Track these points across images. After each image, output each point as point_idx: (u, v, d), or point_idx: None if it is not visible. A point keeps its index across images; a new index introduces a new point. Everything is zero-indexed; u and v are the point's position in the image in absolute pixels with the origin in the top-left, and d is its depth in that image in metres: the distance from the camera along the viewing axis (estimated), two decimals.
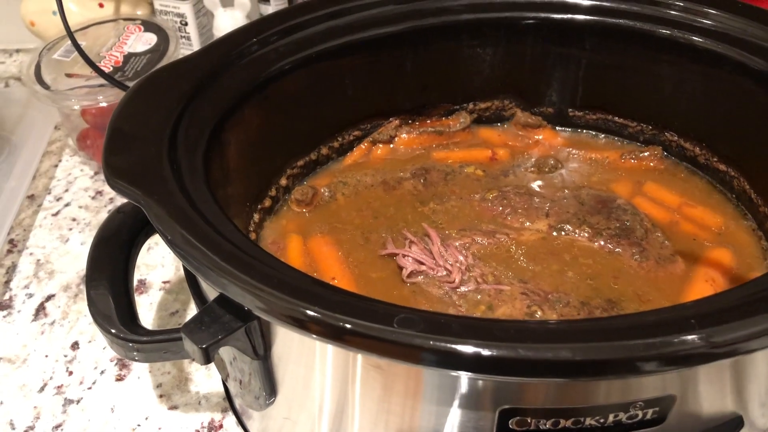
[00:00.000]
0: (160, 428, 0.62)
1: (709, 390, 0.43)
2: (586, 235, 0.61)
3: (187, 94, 0.55)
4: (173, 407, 0.64)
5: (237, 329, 0.43)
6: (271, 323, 0.43)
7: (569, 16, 0.66)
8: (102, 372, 0.67)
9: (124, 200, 0.49)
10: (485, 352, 0.35)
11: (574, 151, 0.71)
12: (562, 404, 0.41)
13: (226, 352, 0.49)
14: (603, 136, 0.73)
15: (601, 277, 0.58)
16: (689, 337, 0.35)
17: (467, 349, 0.35)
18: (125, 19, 0.97)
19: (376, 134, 0.71)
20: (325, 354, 0.43)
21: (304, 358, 0.45)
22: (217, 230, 0.43)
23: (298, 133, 0.66)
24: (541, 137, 0.73)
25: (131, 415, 0.63)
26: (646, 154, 0.69)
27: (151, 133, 0.50)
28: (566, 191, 0.65)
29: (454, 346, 0.35)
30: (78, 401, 0.65)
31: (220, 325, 0.43)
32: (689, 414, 0.43)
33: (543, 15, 0.66)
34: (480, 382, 0.40)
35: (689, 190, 0.67)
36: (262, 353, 0.46)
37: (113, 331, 0.51)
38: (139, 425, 0.62)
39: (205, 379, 0.66)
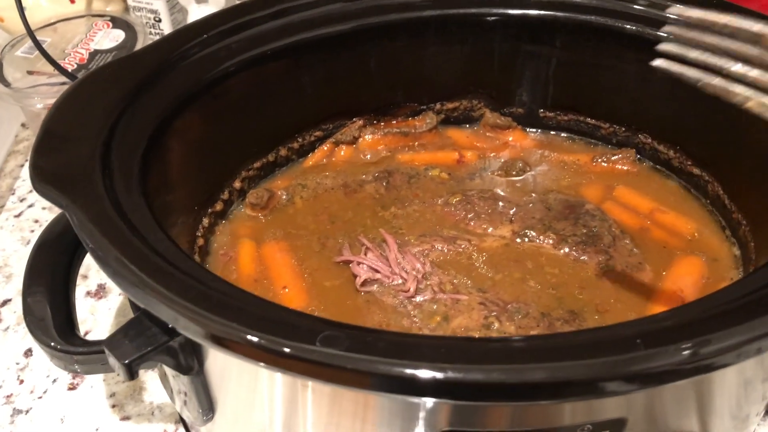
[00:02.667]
0: None
1: (664, 411, 0.41)
2: (551, 242, 0.58)
3: (129, 94, 0.52)
4: (125, 418, 0.62)
5: (163, 344, 0.40)
6: None
7: (537, 12, 0.63)
8: (54, 380, 0.65)
9: None
10: (410, 372, 0.33)
11: (544, 153, 0.69)
12: (505, 428, 0.38)
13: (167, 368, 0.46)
14: (575, 137, 0.70)
15: (565, 286, 0.56)
16: (629, 358, 0.33)
17: (392, 369, 0.33)
18: (94, 15, 0.95)
19: (338, 135, 0.69)
20: (256, 371, 0.41)
21: (238, 375, 0.42)
22: (143, 238, 0.41)
23: (254, 134, 0.63)
24: (511, 139, 0.70)
25: (82, 425, 0.61)
26: (618, 156, 0.67)
27: (85, 135, 0.48)
28: (533, 195, 0.63)
29: (377, 366, 0.33)
30: (27, 411, 0.63)
31: (146, 339, 0.40)
32: None
33: (510, 11, 0.63)
34: (416, 403, 0.37)
35: (662, 195, 0.64)
36: (195, 369, 0.43)
37: (48, 342, 0.48)
38: None
39: (159, 388, 0.63)
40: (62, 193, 0.43)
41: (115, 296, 0.73)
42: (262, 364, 0.35)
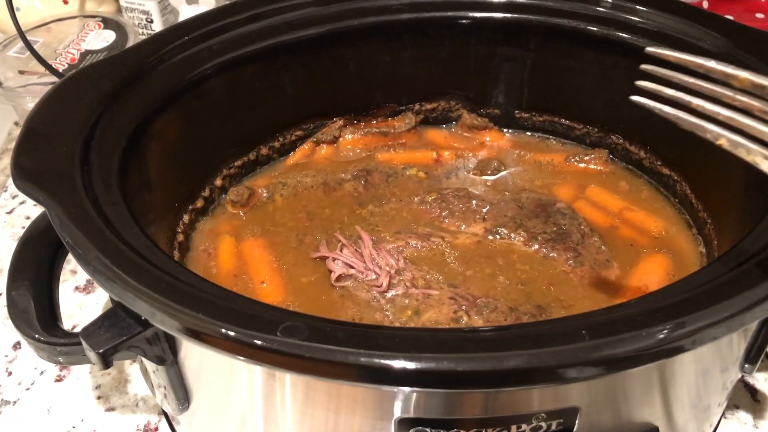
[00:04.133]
0: (95, 430, 0.62)
1: (618, 399, 0.42)
2: (522, 239, 0.60)
3: (110, 94, 0.54)
4: (110, 409, 0.63)
5: (137, 334, 0.42)
6: None
7: (510, 15, 0.64)
8: (42, 372, 0.67)
9: None
10: (366, 361, 0.34)
11: (520, 153, 0.70)
12: (461, 415, 0.40)
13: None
14: (550, 138, 0.72)
15: (533, 282, 0.57)
16: (574, 347, 0.34)
17: (348, 358, 0.35)
18: (86, 16, 0.96)
19: (319, 134, 0.70)
20: (230, 361, 0.42)
21: (209, 365, 0.44)
22: (119, 234, 0.43)
23: (235, 133, 0.65)
24: (487, 139, 0.72)
25: (67, 416, 0.63)
26: (591, 156, 0.68)
27: (65, 134, 0.50)
28: (507, 194, 0.65)
29: (334, 355, 0.35)
30: (14, 402, 0.64)
31: (119, 330, 0.42)
32: (598, 426, 0.43)
33: (484, 14, 0.65)
34: (377, 391, 0.39)
35: (633, 195, 0.66)
36: (169, 359, 0.45)
37: (32, 334, 0.50)
38: (74, 427, 0.62)
39: (144, 380, 0.65)
40: (41, 190, 0.45)
41: (103, 291, 0.75)
42: (227, 353, 0.37)
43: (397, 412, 0.39)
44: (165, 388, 0.48)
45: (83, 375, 0.66)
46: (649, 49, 0.43)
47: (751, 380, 0.63)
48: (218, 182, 0.65)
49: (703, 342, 0.37)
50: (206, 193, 0.64)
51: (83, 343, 0.42)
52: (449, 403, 0.39)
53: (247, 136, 0.66)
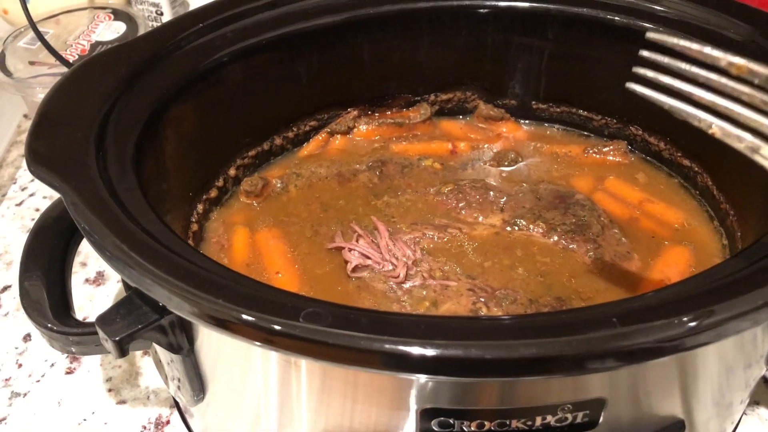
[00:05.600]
0: (106, 423, 0.61)
1: (643, 393, 0.41)
2: (541, 230, 0.59)
3: (124, 81, 0.53)
4: (121, 402, 0.63)
5: (153, 322, 0.41)
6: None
7: (528, 4, 0.64)
8: (52, 365, 0.66)
9: None
10: (390, 348, 0.33)
11: (537, 145, 0.69)
12: (485, 405, 0.39)
13: (160, 349, 0.47)
14: (567, 129, 0.71)
15: (553, 274, 0.56)
16: (605, 335, 0.33)
17: (373, 345, 0.34)
18: (96, 8, 0.96)
19: (333, 125, 0.70)
20: (247, 350, 0.41)
21: (226, 353, 0.43)
22: (135, 219, 0.42)
23: (249, 123, 0.64)
24: (504, 130, 0.71)
25: (78, 409, 0.62)
26: (609, 148, 0.67)
27: (80, 120, 0.49)
28: (524, 186, 0.64)
29: (358, 342, 0.34)
30: (25, 394, 0.64)
31: (136, 317, 0.41)
32: (624, 418, 0.42)
33: (502, 3, 0.64)
34: (399, 380, 0.38)
35: (652, 186, 0.65)
36: (185, 348, 0.44)
37: (45, 323, 0.49)
38: (85, 420, 0.61)
39: (154, 373, 0.64)
40: (56, 175, 0.44)
41: (113, 283, 0.74)
42: (247, 340, 0.36)
43: (419, 402, 0.39)
44: (179, 378, 0.47)
45: (94, 367, 0.66)
46: (650, 34, 0.42)
47: None
48: (232, 172, 0.64)
49: (731, 333, 0.36)
50: (220, 182, 0.63)
51: (99, 331, 0.41)
52: (473, 392, 0.38)
53: (261, 126, 0.66)
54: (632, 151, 0.68)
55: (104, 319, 0.42)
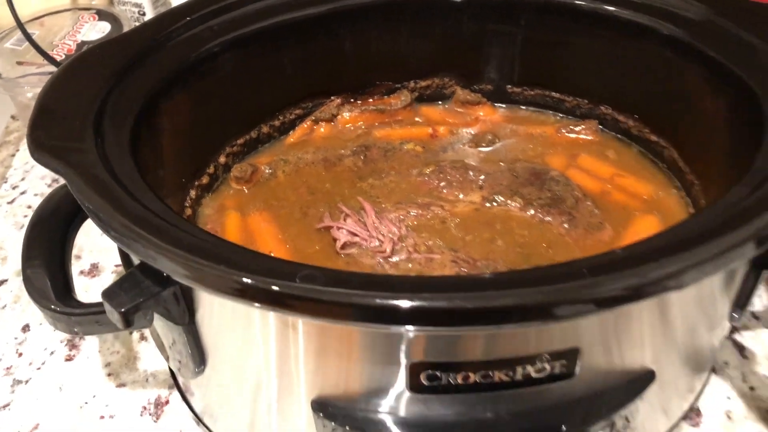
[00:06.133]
0: (107, 405, 0.63)
1: (614, 343, 0.45)
2: (518, 205, 0.62)
3: (117, 73, 0.55)
4: (121, 385, 0.65)
5: (157, 293, 0.44)
6: (193, 289, 0.44)
7: None
8: (52, 353, 0.68)
9: None
10: (380, 302, 0.36)
11: (512, 127, 0.73)
12: (469, 358, 0.42)
13: (160, 324, 0.50)
14: (541, 111, 0.74)
15: (531, 245, 0.60)
16: (575, 285, 0.37)
17: (364, 299, 0.37)
18: (81, 9, 0.98)
19: (318, 113, 0.72)
20: (247, 316, 0.44)
21: (228, 322, 0.46)
22: (136, 198, 0.44)
23: (236, 112, 0.67)
24: (481, 114, 0.74)
25: (79, 393, 0.64)
26: (581, 127, 0.71)
27: (77, 110, 0.51)
28: (501, 165, 0.67)
29: (351, 297, 0.37)
30: (26, 381, 0.66)
31: (140, 290, 0.44)
32: (598, 367, 0.45)
33: None
34: (390, 336, 0.41)
35: (623, 162, 0.68)
36: (186, 319, 0.47)
37: (49, 305, 0.52)
38: (86, 403, 0.63)
39: (152, 358, 0.67)
40: (60, 160, 0.46)
41: (108, 274, 0.76)
42: (248, 302, 0.39)
43: (408, 356, 0.41)
44: (181, 352, 0.50)
45: (92, 354, 0.68)
46: None
47: (738, 338, 0.66)
48: (222, 159, 0.67)
49: (692, 280, 0.40)
50: (211, 170, 0.66)
51: (105, 303, 0.44)
52: (458, 346, 0.41)
53: (249, 115, 0.68)
54: (603, 130, 0.72)
55: (109, 293, 0.44)
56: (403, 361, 0.42)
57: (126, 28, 0.93)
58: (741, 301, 0.50)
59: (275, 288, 0.37)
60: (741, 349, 0.65)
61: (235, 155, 0.68)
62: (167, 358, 0.58)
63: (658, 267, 0.38)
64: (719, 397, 0.62)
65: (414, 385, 0.43)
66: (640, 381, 0.47)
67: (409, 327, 0.38)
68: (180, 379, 0.62)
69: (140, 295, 0.44)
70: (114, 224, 0.42)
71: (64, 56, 0.88)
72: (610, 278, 0.37)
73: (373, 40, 0.70)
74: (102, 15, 0.95)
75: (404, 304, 0.36)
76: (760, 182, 0.45)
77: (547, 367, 0.43)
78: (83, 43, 0.90)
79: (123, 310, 0.43)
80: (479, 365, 0.42)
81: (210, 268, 0.39)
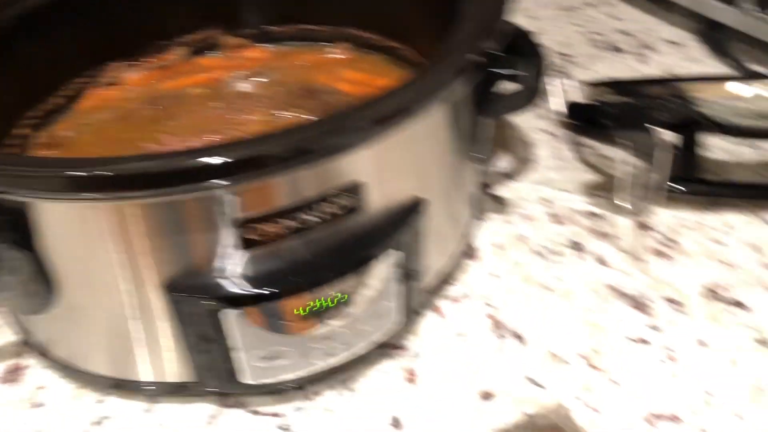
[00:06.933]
0: None
1: (387, 176, 0.57)
2: (298, 115, 0.74)
3: None
4: None
5: None
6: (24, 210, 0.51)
7: None
8: None
9: None
10: (191, 162, 0.46)
11: (280, 60, 0.85)
12: (277, 207, 0.52)
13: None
14: (303, 43, 0.87)
15: None
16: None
17: (181, 163, 0.46)
18: None
19: (103, 78, 0.79)
20: (81, 220, 0.51)
21: (64, 233, 0.52)
22: None
23: (25, 86, 0.71)
24: (252, 55, 0.85)
25: None
26: (338, 50, 0.85)
27: None
28: (279, 88, 0.79)
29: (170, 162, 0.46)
30: None
31: None
32: (382, 200, 0.58)
33: None
34: (209, 200, 0.50)
35: (376, 69, 0.83)
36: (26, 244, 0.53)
37: None
38: None
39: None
40: None
41: None
42: (87, 194, 0.47)
43: (230, 214, 0.50)
44: (27, 282, 0.55)
45: None
46: None
47: (494, 192, 0.84)
48: (22, 131, 0.71)
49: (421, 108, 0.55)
50: (14, 141, 0.70)
51: None
52: (263, 197, 0.51)
53: (36, 87, 0.73)
54: (355, 48, 0.86)
55: None
56: (226, 221, 0.51)
57: None
58: (478, 143, 0.67)
59: (104, 173, 0.46)
60: (497, 198, 0.83)
61: (34, 127, 0.73)
62: (14, 309, 0.61)
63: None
64: (488, 235, 0.79)
65: (241, 243, 0.53)
66: (411, 209, 0.61)
67: (222, 181, 0.48)
68: (32, 333, 0.65)
69: None
70: None
71: None
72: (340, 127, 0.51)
73: (135, 5, 0.78)
74: None
75: (215, 160, 0.46)
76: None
77: (342, 202, 0.55)
78: None
79: None
80: (288, 212, 0.53)
81: (43, 170, 0.46)
